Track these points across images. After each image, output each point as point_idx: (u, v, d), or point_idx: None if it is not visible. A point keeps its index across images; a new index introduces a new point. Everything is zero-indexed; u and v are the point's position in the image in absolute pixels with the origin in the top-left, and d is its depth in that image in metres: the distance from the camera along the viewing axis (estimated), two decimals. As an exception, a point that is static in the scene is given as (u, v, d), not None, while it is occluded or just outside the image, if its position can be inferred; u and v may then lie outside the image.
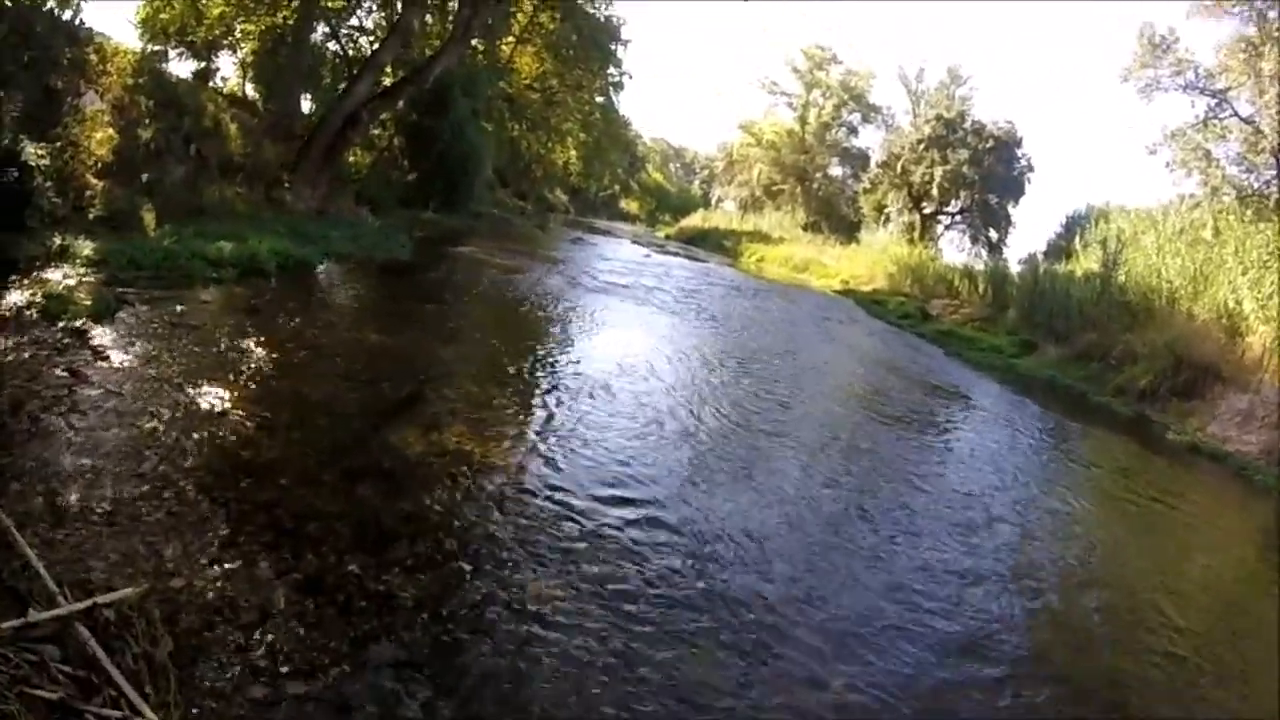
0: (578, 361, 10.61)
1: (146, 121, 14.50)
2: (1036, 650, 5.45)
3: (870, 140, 57.55)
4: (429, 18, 28.37)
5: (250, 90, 28.33)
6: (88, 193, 11.80)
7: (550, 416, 8.09)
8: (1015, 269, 27.65)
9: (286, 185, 18.15)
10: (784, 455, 8.46)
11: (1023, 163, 44.13)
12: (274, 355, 8.08)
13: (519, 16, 35.92)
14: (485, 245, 21.97)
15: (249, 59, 28.11)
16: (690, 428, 8.55)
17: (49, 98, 12.37)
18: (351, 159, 25.09)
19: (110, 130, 13.30)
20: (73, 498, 4.61)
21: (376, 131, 28.34)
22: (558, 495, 6.13)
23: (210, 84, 26.01)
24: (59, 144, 11.62)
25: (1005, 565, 6.71)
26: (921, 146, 44.81)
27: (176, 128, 15.47)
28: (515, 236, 27.99)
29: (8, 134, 9.56)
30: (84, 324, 7.60)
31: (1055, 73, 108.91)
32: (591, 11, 37.16)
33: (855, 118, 58.03)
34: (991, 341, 20.44)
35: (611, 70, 41.48)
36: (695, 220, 55.68)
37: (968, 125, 44.08)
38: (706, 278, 25.98)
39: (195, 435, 5.79)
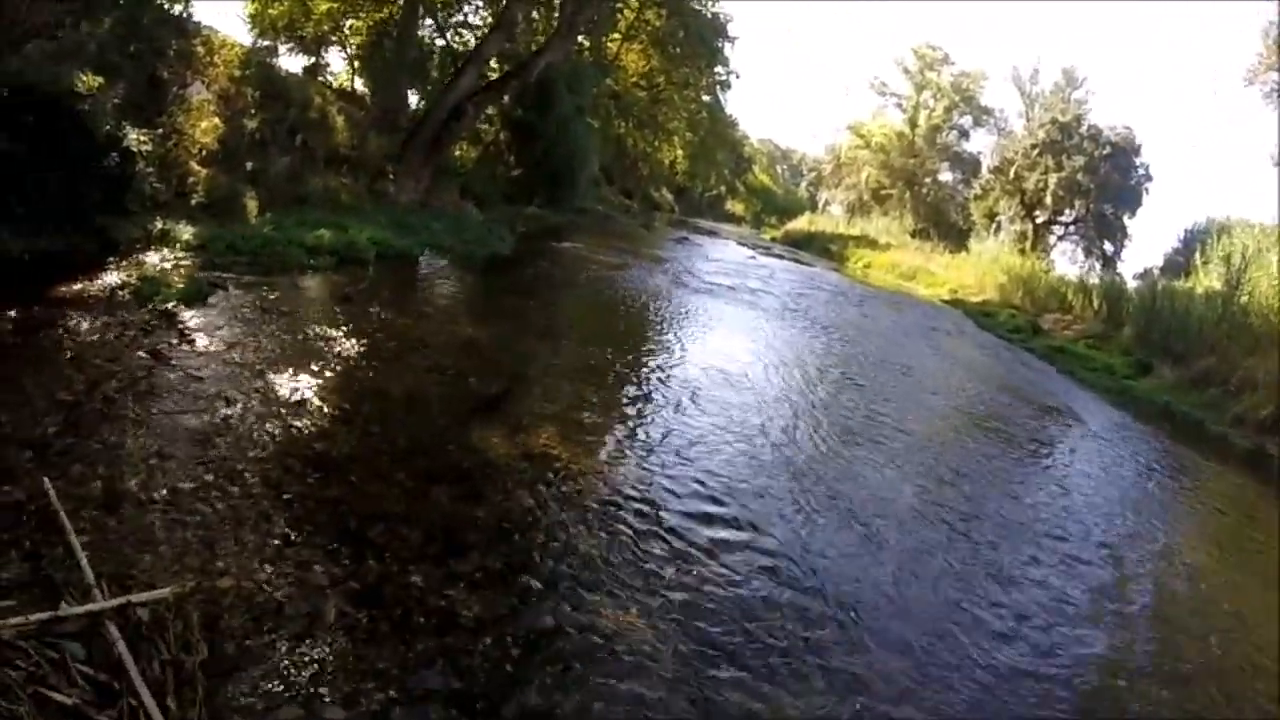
0: (677, 366, 9.99)
1: (252, 112, 14.52)
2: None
3: (981, 144, 55.07)
4: (535, 13, 28.28)
5: (360, 85, 28.53)
6: (190, 179, 11.78)
7: (645, 424, 7.51)
8: (1131, 284, 25.98)
9: (391, 177, 18.06)
10: (888, 481, 7.63)
11: (1140, 171, 41.96)
12: (361, 345, 7.77)
13: (625, 13, 35.59)
14: (588, 241, 21.63)
15: (357, 54, 28.37)
16: (791, 445, 7.84)
17: (154, 87, 12.39)
18: (457, 153, 25.07)
19: (215, 119, 13.30)
20: (132, 483, 4.32)
21: (483, 126, 28.40)
22: (646, 510, 5.58)
23: (319, 78, 26.25)
24: (162, 132, 11.56)
25: (1137, 640, 5.65)
26: (1035, 152, 42.88)
27: (282, 119, 15.47)
28: (619, 234, 27.59)
29: (109, 120, 9.40)
30: (174, 306, 7.44)
31: (1175, 75, 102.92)
32: (698, 8, 36.56)
33: (966, 120, 55.68)
34: (1105, 361, 19.09)
35: (719, 69, 40.90)
36: (801, 223, 54.41)
37: (1084, 130, 42.07)
38: (811, 282, 25.17)
39: (268, 425, 5.47)
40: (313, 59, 27.67)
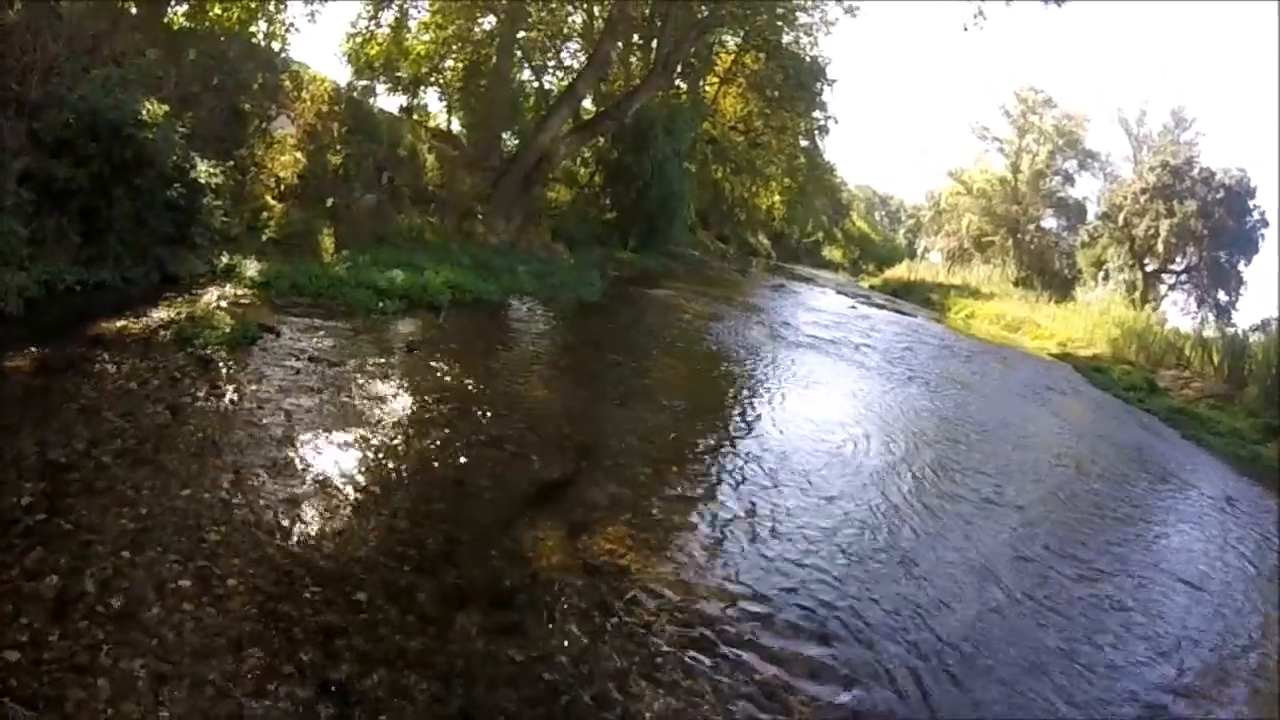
0: (772, 437, 8.68)
1: (338, 148, 14.01)
2: None
3: (1087, 190, 53.03)
4: (632, 58, 27.82)
5: (456, 125, 28.41)
6: (264, 214, 11.20)
7: (733, 519, 6.16)
8: (1254, 338, 23.95)
9: (480, 217, 17.41)
10: (1013, 591, 6.12)
11: (1256, 215, 39.72)
12: (413, 407, 6.82)
13: (723, 56, 35.12)
14: (681, 288, 20.60)
15: (453, 94, 28.29)
16: (907, 544, 6.47)
17: (237, 119, 11.97)
18: (551, 194, 24.62)
19: (298, 154, 12.81)
20: (91, 585, 3.51)
21: (578, 168, 28.00)
22: (729, 654, 4.33)
23: (414, 117, 26.12)
24: (237, 164, 11.08)
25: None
26: (1145, 197, 40.98)
27: (369, 155, 14.98)
28: (713, 280, 26.51)
29: (177, 151, 8.86)
30: (215, 351, 6.71)
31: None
32: (798, 51, 35.79)
33: (1071, 165, 53.49)
34: (1230, 424, 17.27)
35: (817, 113, 39.94)
36: (900, 271, 52.76)
37: (1195, 173, 39.98)
38: (915, 334, 23.78)
39: (275, 512, 4.52)
40: (410, 98, 27.67)
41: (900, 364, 15.95)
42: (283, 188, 12.15)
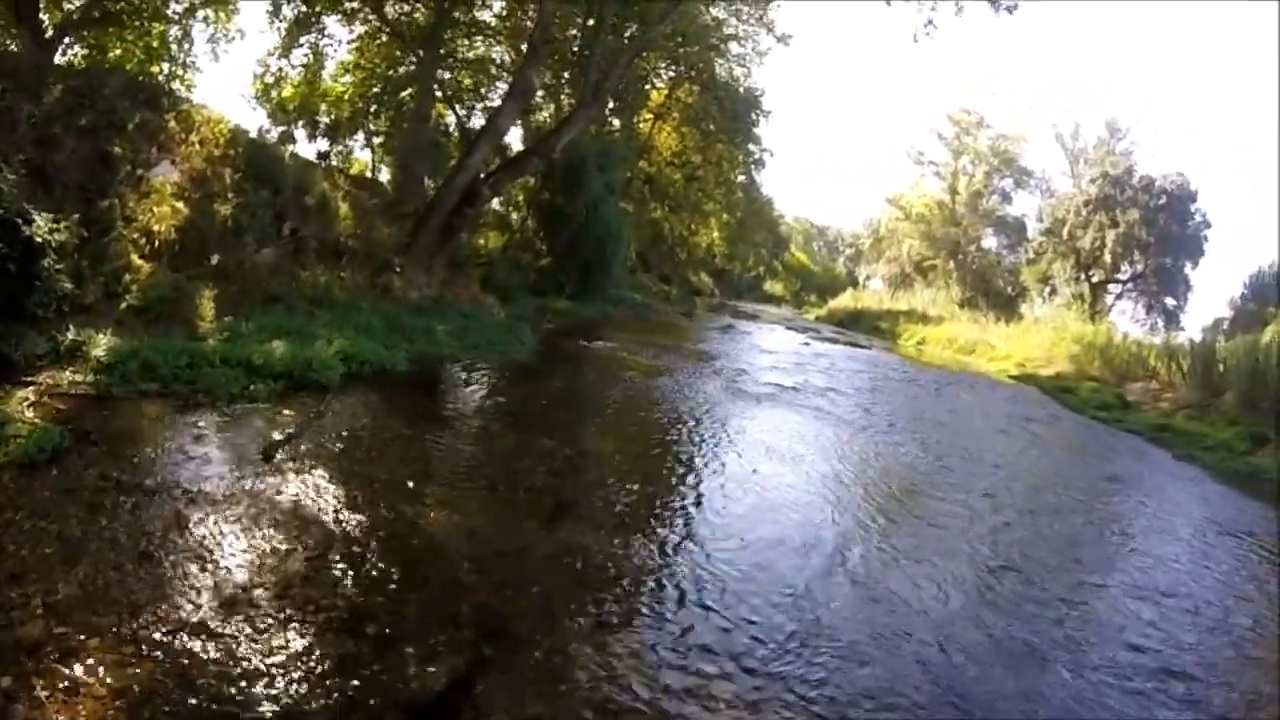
0: (744, 540, 6.71)
1: (229, 196, 12.25)
2: None
3: (1025, 207, 54.22)
4: (564, 95, 26.54)
5: (386, 174, 26.89)
6: (127, 276, 9.39)
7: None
8: (1221, 343, 23.34)
9: (397, 270, 15.66)
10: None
11: (1198, 219, 40.75)
12: (240, 565, 4.70)
13: (656, 90, 34.20)
14: (624, 339, 18.95)
15: (378, 139, 26.86)
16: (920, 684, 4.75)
17: (104, 165, 10.29)
18: (480, 241, 23.08)
19: (178, 204, 11.07)
20: None
21: (510, 213, 26.55)
22: None
23: (334, 163, 24.54)
24: (96, 218, 9.34)
25: None
26: (1088, 209, 42.01)
27: (268, 205, 13.20)
28: (658, 327, 24.91)
29: (7, 202, 7.16)
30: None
31: (1217, 115, 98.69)
32: (731, 82, 35.01)
33: (1008, 184, 54.15)
34: (1216, 436, 16.34)
35: (752, 147, 39.64)
36: (845, 300, 52.53)
37: (1135, 181, 41.14)
38: (876, 369, 22.52)
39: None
40: (330, 144, 26.14)
41: (873, 410, 14.57)
42: (156, 244, 10.36)
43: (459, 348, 12.82)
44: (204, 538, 4.86)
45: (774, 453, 10.02)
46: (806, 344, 26.86)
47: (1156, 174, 40.97)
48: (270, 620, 4.14)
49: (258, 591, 4.38)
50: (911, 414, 15.11)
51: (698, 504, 7.58)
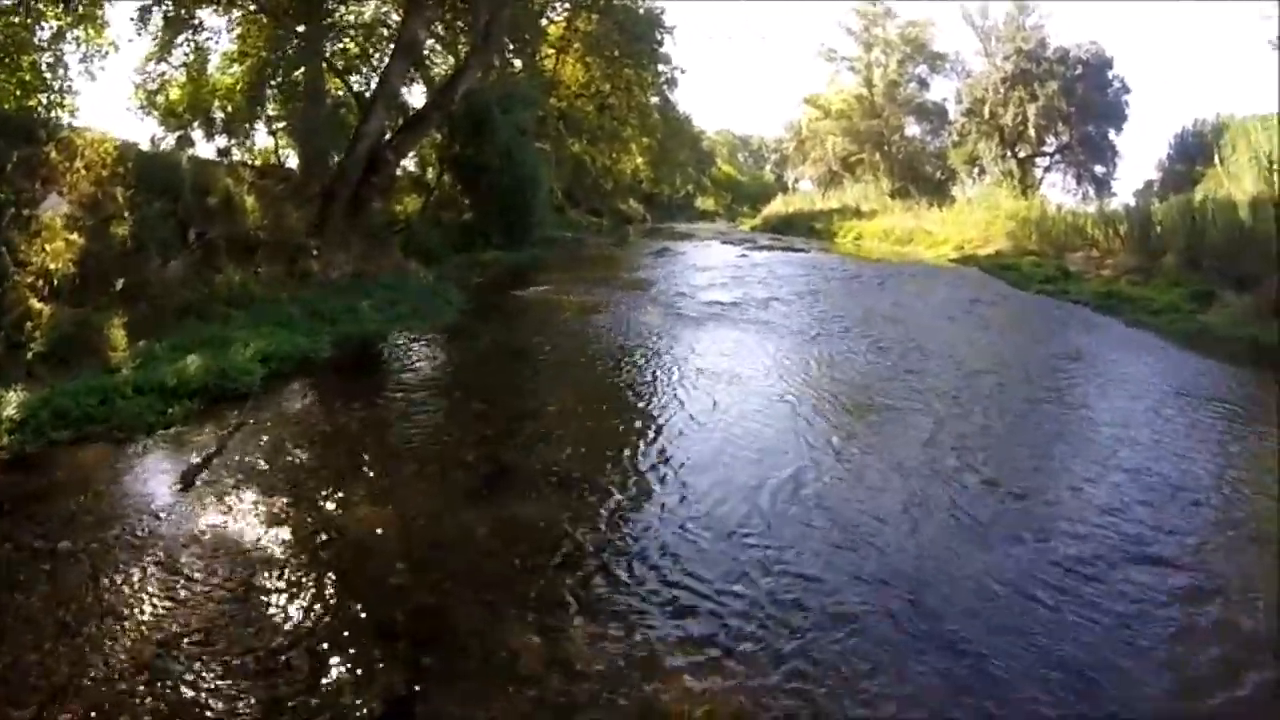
0: (702, 492, 6.30)
1: (125, 215, 11.90)
2: None
3: (944, 91, 54.81)
4: (460, 43, 25.88)
5: (294, 159, 26.15)
6: (29, 324, 9.08)
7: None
8: (1155, 205, 23.72)
9: (314, 253, 15.37)
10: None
11: (1117, 85, 41.28)
12: (158, 617, 4.33)
13: (554, 24, 33.59)
14: (557, 279, 18.79)
15: (278, 124, 26.14)
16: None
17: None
18: (398, 207, 22.63)
19: (72, 235, 10.73)
20: None
21: (425, 173, 26.06)
22: None
23: (237, 157, 23.94)
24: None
25: None
26: (1006, 86, 42.45)
27: (168, 215, 12.86)
28: (591, 260, 24.76)
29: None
30: None
31: None
32: (630, 5, 34.44)
33: (923, 70, 54.27)
34: (1162, 299, 16.75)
35: (662, 67, 39.50)
36: (777, 206, 53.15)
37: (1050, 54, 41.44)
38: (816, 271, 22.56)
39: None
40: (229, 139, 25.41)
41: (818, 313, 14.74)
42: (55, 282, 10.04)
43: (383, 321, 12.65)
44: (123, 595, 4.54)
45: (720, 378, 9.89)
46: (743, 255, 26.92)
47: (1071, 44, 41.28)
48: (193, 675, 3.87)
49: (182, 644, 4.10)
50: (857, 313, 15.18)
51: (644, 452, 7.32)
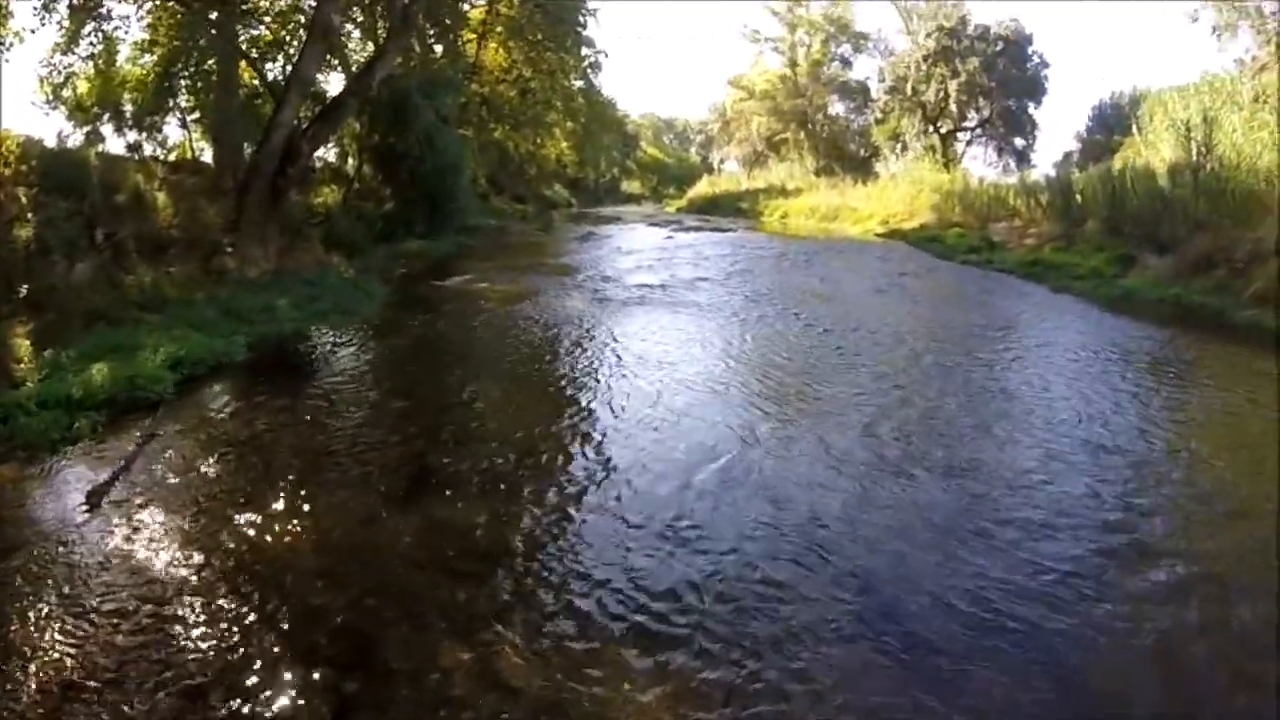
0: (635, 485, 6.18)
1: (28, 216, 11.46)
2: None
3: (867, 69, 56.30)
4: (380, 27, 25.36)
5: (208, 152, 25.41)
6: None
7: None
8: (1075, 174, 24.43)
9: (229, 250, 14.95)
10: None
11: (1036, 60, 43.13)
12: (63, 658, 3.98)
13: (475, 8, 33.15)
14: (481, 268, 18.58)
15: (191, 116, 25.40)
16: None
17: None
18: (317, 199, 22.16)
19: (-31, 244, 10.31)
20: None
21: (344, 164, 25.61)
22: None
23: (146, 152, 23.22)
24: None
25: None
26: (928, 63, 43.56)
27: (74, 214, 12.41)
28: (516, 248, 24.58)
29: None
30: None
31: None
32: (550, -14, 34.12)
33: (846, 49, 55.82)
34: (1087, 264, 17.36)
35: (585, 50, 39.50)
36: (703, 188, 53.54)
37: (971, 31, 42.74)
38: (743, 250, 22.68)
39: None
40: (140, 133, 24.64)
41: (746, 293, 14.86)
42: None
43: (303, 319, 12.37)
44: (26, 632, 4.18)
45: (649, 364, 9.84)
46: (670, 237, 26.99)
47: (991, 21, 42.74)
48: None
49: (86, 686, 3.77)
50: (785, 290, 15.31)
51: (573, 447, 7.14)
